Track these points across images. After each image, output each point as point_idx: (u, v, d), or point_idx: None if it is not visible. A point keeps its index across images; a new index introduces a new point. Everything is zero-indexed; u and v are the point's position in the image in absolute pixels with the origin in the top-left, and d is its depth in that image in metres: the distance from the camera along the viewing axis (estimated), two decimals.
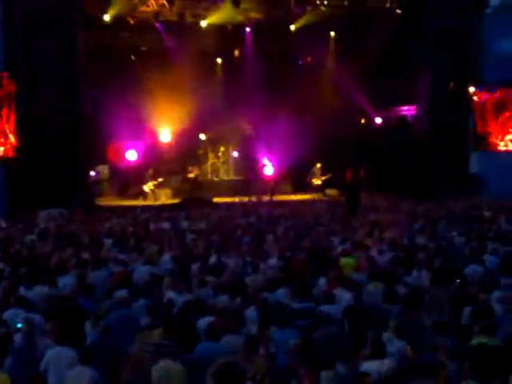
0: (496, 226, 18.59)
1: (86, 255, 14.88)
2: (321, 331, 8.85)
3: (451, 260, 13.55)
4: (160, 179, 30.38)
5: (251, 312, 10.19)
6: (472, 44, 30.45)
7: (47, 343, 9.15)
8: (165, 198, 30.39)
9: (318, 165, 31.70)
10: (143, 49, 32.24)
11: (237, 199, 29.92)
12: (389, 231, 18.26)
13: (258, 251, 15.24)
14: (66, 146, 26.53)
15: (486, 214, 21.30)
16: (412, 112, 32.12)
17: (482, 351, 6.09)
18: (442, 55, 29.70)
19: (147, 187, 30.14)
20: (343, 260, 13.98)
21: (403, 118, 32.71)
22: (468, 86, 30.74)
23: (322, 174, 31.73)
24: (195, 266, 13.53)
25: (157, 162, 31.93)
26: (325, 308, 10.32)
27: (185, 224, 20.75)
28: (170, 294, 11.30)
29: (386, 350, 8.03)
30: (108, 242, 17.02)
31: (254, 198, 30.34)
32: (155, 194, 30.10)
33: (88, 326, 9.92)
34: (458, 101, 30.39)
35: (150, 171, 30.42)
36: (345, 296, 11.02)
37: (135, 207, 26.96)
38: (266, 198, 30.41)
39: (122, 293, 11.12)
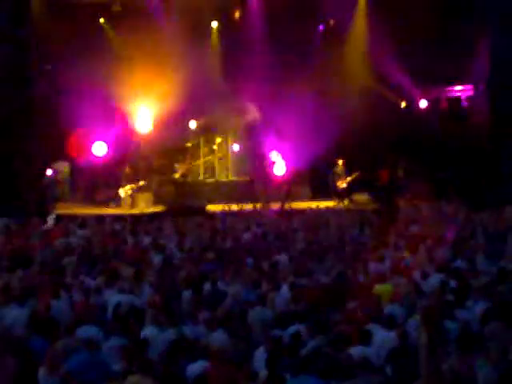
0: None
1: (40, 280, 14.94)
2: (354, 381, 8.92)
3: None
4: (142, 182, 30.43)
5: (259, 355, 10.26)
6: None
7: None
8: (144, 204, 30.45)
9: (340, 162, 31.57)
10: (115, 9, 32.29)
11: (238, 207, 29.97)
12: (437, 250, 18.30)
13: (266, 276, 15.28)
14: (14, 137, 26.56)
15: None
16: (468, 93, 32.15)
17: None
18: (508, 19, 29.72)
19: (124, 191, 30.17)
20: (378, 287, 14.02)
21: (456, 101, 32.74)
22: None
23: (347, 174, 31.55)
24: (184, 295, 13.58)
25: (133, 158, 31.96)
26: (356, 350, 10.37)
27: (170, 240, 20.77)
28: (151, 331, 11.35)
29: None
30: (70, 262, 17.06)
31: (260, 206, 30.38)
32: (133, 199, 30.15)
33: (43, 372, 9.96)
34: None
35: (127, 170, 30.46)
36: (381, 334, 11.07)
37: (105, 216, 26.99)
38: (277, 205, 30.42)
39: (87, 329, 11.17)
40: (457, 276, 14.75)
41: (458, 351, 9.84)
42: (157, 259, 17.39)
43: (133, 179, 30.35)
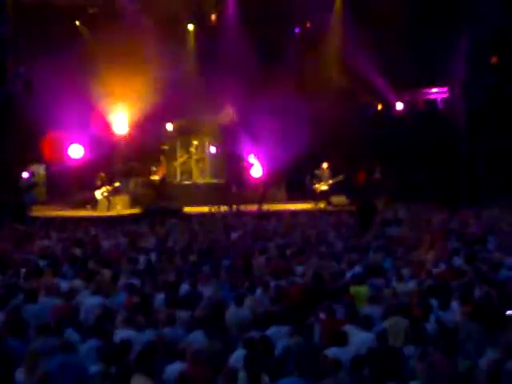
0: None
1: (16, 282, 14.89)
2: (329, 381, 8.94)
3: (496, 289, 13.64)
4: (117, 183, 30.35)
5: (236, 356, 10.25)
6: None
7: None
8: (121, 206, 30.40)
9: (325, 165, 31.50)
10: (91, 11, 32.26)
11: (215, 209, 29.96)
12: (415, 251, 18.37)
13: (243, 277, 15.28)
14: None
15: None
16: (443, 95, 32.27)
17: None
18: (482, 18, 29.82)
19: (100, 193, 30.09)
20: (354, 289, 14.04)
21: (432, 103, 32.86)
22: None
23: (331, 177, 31.46)
24: (161, 297, 13.56)
25: (109, 161, 31.87)
26: (332, 351, 10.39)
27: (147, 241, 20.73)
28: (127, 333, 11.33)
29: None
30: (45, 265, 16.99)
31: (237, 208, 30.39)
32: (109, 201, 30.08)
33: (20, 374, 9.93)
34: (505, 79, 30.59)
35: (102, 175, 30.34)
36: (357, 335, 11.09)
37: (82, 219, 26.92)
38: (254, 207, 30.44)
39: (64, 331, 11.14)
40: (435, 278, 14.82)
41: (438, 351, 9.86)
42: (139, 261, 17.35)
43: (108, 181, 30.26)
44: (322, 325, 11.85)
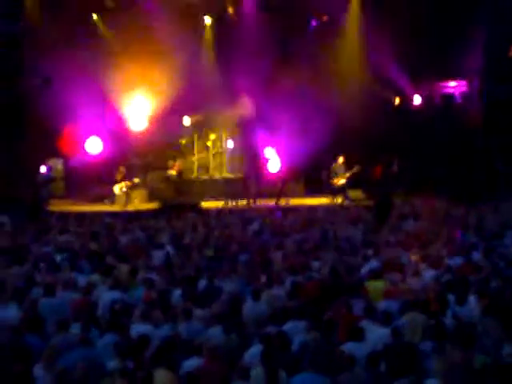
0: None
1: (35, 277, 14.97)
2: (345, 377, 8.97)
3: None
4: (136, 179, 30.37)
5: (252, 352, 10.28)
6: None
7: None
8: (138, 201, 30.43)
9: (341, 159, 31.40)
10: (109, 5, 32.27)
11: (232, 204, 29.98)
12: (432, 246, 18.36)
13: (261, 273, 15.31)
14: (7, 133, 26.46)
15: None
16: (462, 88, 32.17)
17: None
18: (500, 14, 29.79)
19: (118, 188, 30.10)
20: (371, 284, 14.06)
21: (450, 97, 32.76)
22: None
23: (347, 170, 31.38)
24: (178, 292, 13.61)
25: (127, 155, 31.91)
26: (349, 346, 10.41)
27: (165, 236, 20.78)
28: (144, 328, 11.38)
29: None
30: (63, 259, 17.07)
31: (254, 203, 30.40)
32: (128, 196, 30.11)
33: (38, 369, 9.99)
34: None
35: (121, 169, 30.36)
36: (374, 331, 11.11)
37: (100, 214, 26.97)
38: (271, 202, 30.44)
39: (82, 326, 11.21)
40: (453, 272, 14.82)
41: (456, 346, 9.87)
42: (156, 256, 17.40)
43: (127, 177, 30.29)
44: (338, 320, 11.87)
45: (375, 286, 13.94)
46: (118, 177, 30.15)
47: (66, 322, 11.63)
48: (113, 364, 9.90)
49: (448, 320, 11.53)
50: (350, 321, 11.62)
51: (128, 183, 30.09)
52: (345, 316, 11.97)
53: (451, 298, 12.75)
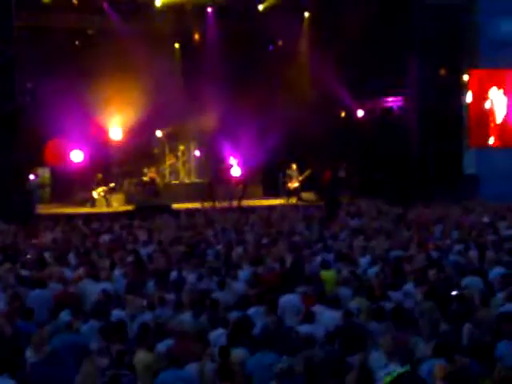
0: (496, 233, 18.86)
1: (25, 272, 14.83)
2: (302, 354, 8.94)
3: (446, 272, 13.72)
4: (112, 184, 30.34)
5: (217, 333, 10.24)
6: (465, 25, 30.88)
7: None
8: (117, 204, 30.32)
9: (294, 165, 31.64)
10: (89, 32, 32.17)
11: (200, 205, 29.92)
12: (374, 240, 18.43)
13: (225, 265, 15.26)
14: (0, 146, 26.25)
15: (485, 219, 21.57)
16: (399, 103, 32.38)
17: None
18: (431, 38, 30.05)
19: (96, 193, 30.08)
20: (323, 273, 14.06)
21: (389, 111, 32.94)
22: (461, 73, 31.25)
23: (300, 174, 31.63)
24: (152, 282, 13.55)
25: (107, 164, 31.78)
26: (303, 328, 10.39)
27: (140, 234, 20.66)
28: (122, 314, 11.33)
29: (373, 376, 8.14)
30: (51, 256, 16.92)
31: (219, 204, 30.38)
32: (107, 199, 30.08)
33: (29, 352, 9.89)
34: (451, 90, 30.80)
35: (99, 176, 30.30)
36: (325, 314, 11.11)
37: (82, 215, 26.82)
38: (233, 203, 30.42)
39: (67, 314, 11.11)
40: (393, 263, 14.88)
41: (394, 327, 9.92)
42: (128, 252, 17.29)
43: (104, 182, 30.25)
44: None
45: (326, 275, 13.94)
46: (95, 183, 30.13)
47: (54, 311, 11.58)
48: (95, 346, 9.82)
49: (388, 304, 11.53)
50: (305, 306, 11.64)
51: (104, 188, 30.07)
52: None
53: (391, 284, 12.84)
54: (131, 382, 8.61)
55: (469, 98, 32.03)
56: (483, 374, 8.28)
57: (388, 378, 5.09)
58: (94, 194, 30.19)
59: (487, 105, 32.31)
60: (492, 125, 32.52)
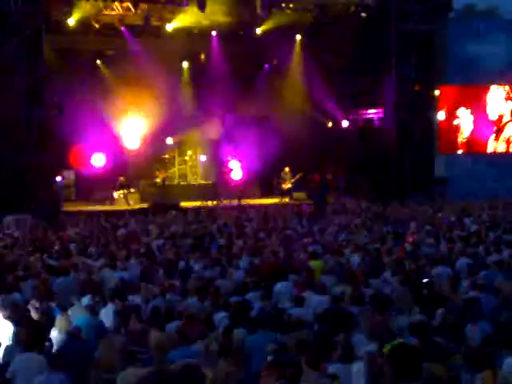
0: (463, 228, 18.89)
1: (52, 261, 14.83)
2: (294, 335, 8.92)
3: (419, 262, 13.73)
4: (132, 189, 30.49)
5: (220, 315, 10.24)
6: (436, 47, 30.94)
7: (14, 350, 9.11)
8: (133, 202, 30.32)
9: (287, 169, 31.73)
10: (108, 53, 32.12)
11: (204, 203, 29.91)
12: (357, 234, 18.44)
13: (227, 256, 15.26)
14: (31, 152, 26.24)
15: (452, 218, 21.56)
16: (379, 115, 32.40)
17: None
18: (407, 58, 30.17)
19: (117, 194, 30.13)
20: (312, 263, 14.05)
21: (370, 121, 32.97)
22: (433, 89, 31.32)
23: (292, 177, 31.72)
24: (163, 271, 13.54)
25: (124, 167, 31.75)
26: (295, 311, 10.38)
27: (152, 229, 20.65)
28: (137, 300, 11.32)
29: (354, 354, 8.14)
30: (75, 247, 16.92)
31: (221, 202, 30.39)
32: (126, 199, 30.11)
33: (55, 332, 9.89)
34: (424, 103, 30.86)
35: (122, 179, 30.30)
36: (314, 299, 11.10)
37: (102, 212, 26.80)
38: (234, 202, 30.43)
39: (89, 298, 11.11)
40: (373, 254, 14.87)
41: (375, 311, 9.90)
42: (142, 245, 17.27)
43: (126, 186, 30.28)
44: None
45: (316, 264, 13.92)
46: (119, 185, 30.16)
47: (77, 295, 11.60)
48: (111, 326, 9.82)
49: (369, 291, 11.51)
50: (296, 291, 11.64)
51: (125, 191, 30.10)
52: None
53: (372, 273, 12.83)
54: (146, 359, 8.58)
55: (440, 114, 32.21)
56: (453, 351, 8.29)
57: (388, 347, 5.09)
58: (115, 195, 30.21)
59: (456, 122, 32.58)
60: (460, 139, 32.82)
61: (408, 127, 30.44)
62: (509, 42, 32.51)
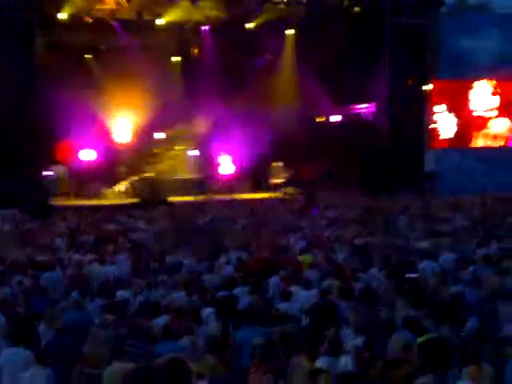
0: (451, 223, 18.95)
1: (41, 256, 14.84)
2: (279, 329, 8.97)
3: (407, 256, 13.79)
4: (134, 177, 30.46)
5: (208, 310, 10.28)
6: (429, 41, 31.01)
7: (1, 344, 9.13)
8: (124, 196, 30.35)
9: (279, 163, 31.78)
10: (100, 47, 32.14)
11: (193, 198, 29.92)
12: (346, 228, 18.49)
13: (215, 250, 15.29)
14: (21, 145, 26.22)
15: (441, 213, 21.64)
16: (371, 109, 32.46)
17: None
18: (400, 53, 30.22)
19: (117, 187, 30.25)
20: (301, 257, 14.09)
21: (362, 116, 33.02)
22: (425, 84, 31.39)
23: (284, 171, 31.80)
24: (151, 266, 13.57)
25: (114, 162, 31.77)
26: (282, 306, 10.43)
27: (141, 224, 20.66)
28: (126, 294, 11.35)
29: (342, 348, 8.19)
30: (63, 242, 16.92)
31: (210, 197, 30.38)
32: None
33: (43, 326, 9.91)
34: (415, 98, 30.93)
35: (122, 168, 30.37)
36: (301, 293, 11.15)
37: (92, 207, 26.81)
38: (224, 196, 30.42)
39: (77, 293, 11.14)
40: (361, 248, 14.92)
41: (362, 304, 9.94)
42: (130, 239, 17.28)
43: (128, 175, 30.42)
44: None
45: (304, 259, 13.96)
46: (121, 175, 30.27)
47: (66, 290, 11.61)
48: (99, 321, 9.84)
49: (357, 284, 11.57)
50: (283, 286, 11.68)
51: (126, 183, 30.34)
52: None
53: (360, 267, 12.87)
54: (134, 353, 8.59)
55: (432, 109, 32.28)
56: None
57: (421, 339, 5.48)
58: (116, 188, 30.26)
59: (445, 117, 32.54)
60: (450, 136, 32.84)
61: (400, 122, 30.51)
62: (501, 37, 32.56)
